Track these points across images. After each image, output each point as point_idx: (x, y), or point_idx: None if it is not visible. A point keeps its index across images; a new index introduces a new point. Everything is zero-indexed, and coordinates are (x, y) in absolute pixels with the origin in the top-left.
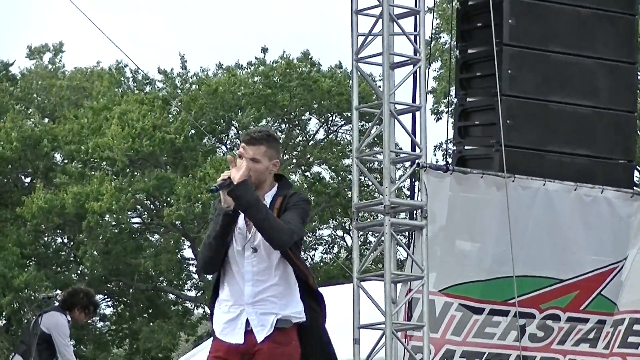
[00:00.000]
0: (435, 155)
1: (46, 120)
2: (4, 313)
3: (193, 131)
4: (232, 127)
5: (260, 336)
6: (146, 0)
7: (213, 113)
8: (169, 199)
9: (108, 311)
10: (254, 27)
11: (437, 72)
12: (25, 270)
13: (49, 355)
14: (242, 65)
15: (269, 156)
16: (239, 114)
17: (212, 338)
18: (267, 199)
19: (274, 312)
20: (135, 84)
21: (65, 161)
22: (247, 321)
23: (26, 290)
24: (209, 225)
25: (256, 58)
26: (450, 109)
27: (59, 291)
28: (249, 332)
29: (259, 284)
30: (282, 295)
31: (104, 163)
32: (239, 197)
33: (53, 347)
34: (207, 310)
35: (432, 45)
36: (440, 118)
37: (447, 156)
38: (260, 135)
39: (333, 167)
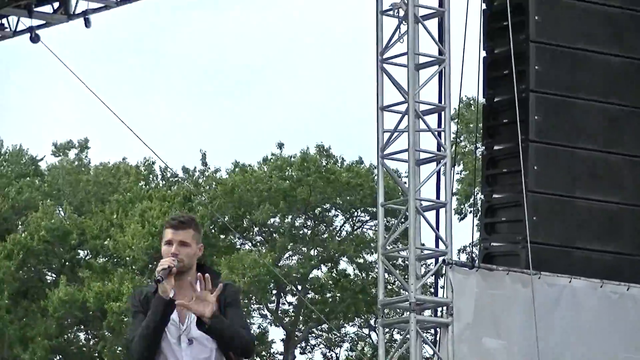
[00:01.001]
0: (459, 257)
1: (76, 214)
2: None
3: (214, 229)
4: (253, 226)
5: None
6: (168, 97)
7: (232, 211)
8: None
9: None
10: (271, 122)
11: (460, 174)
12: None
13: None
14: (259, 162)
15: (197, 240)
16: (258, 209)
17: None
18: (197, 286)
19: None
20: (163, 182)
21: (90, 256)
22: None
23: None
24: (134, 315)
25: (272, 154)
26: (474, 208)
27: None
28: None
29: None
30: None
31: (127, 259)
32: (216, 330)
33: None
34: None
35: (454, 148)
36: (464, 217)
37: (472, 259)
38: (189, 219)
39: (358, 263)
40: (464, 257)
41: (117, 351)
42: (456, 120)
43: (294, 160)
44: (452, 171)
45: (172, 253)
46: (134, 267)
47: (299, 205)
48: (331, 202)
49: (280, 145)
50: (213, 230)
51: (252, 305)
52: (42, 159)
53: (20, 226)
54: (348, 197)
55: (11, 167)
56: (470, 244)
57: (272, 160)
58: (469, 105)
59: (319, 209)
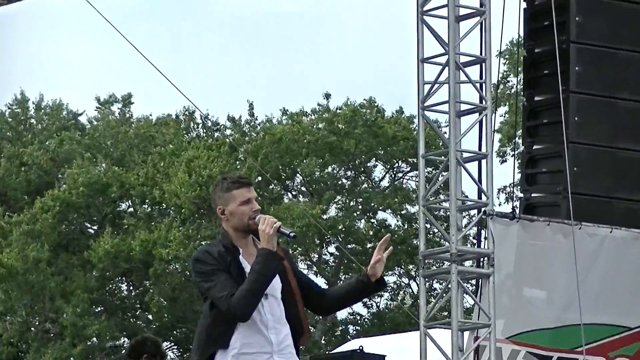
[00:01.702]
0: (498, 198)
1: (115, 167)
2: None
3: (260, 178)
4: (298, 175)
5: None
6: (215, 50)
7: (278, 161)
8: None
9: (174, 357)
10: (318, 73)
11: (504, 116)
12: (96, 319)
13: None
14: (306, 112)
15: None
16: (304, 161)
17: None
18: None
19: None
20: (204, 131)
21: (135, 205)
22: None
23: (95, 339)
24: (213, 273)
25: (319, 105)
26: (516, 152)
27: (124, 340)
28: None
29: (279, 332)
30: (292, 346)
31: (172, 209)
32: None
33: None
34: None
35: (500, 89)
36: (506, 161)
37: (511, 200)
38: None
39: (399, 214)
40: (503, 197)
41: (161, 302)
42: (503, 62)
43: (342, 113)
44: (493, 122)
45: (255, 210)
46: (180, 216)
47: (344, 157)
48: (373, 153)
49: (327, 96)
50: (259, 180)
51: (297, 256)
52: (82, 114)
53: (60, 179)
54: (389, 149)
55: (52, 121)
56: (511, 184)
57: (320, 111)
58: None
59: (358, 160)
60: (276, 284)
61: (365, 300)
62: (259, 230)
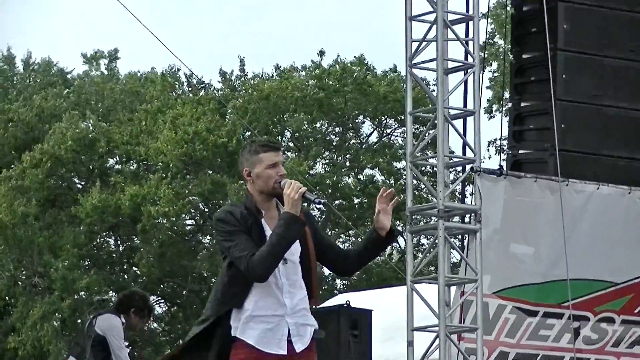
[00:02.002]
0: (488, 151)
1: (102, 123)
2: (60, 315)
3: (248, 133)
4: (287, 131)
5: (298, 346)
6: (203, 5)
7: (266, 117)
8: (221, 202)
9: (162, 312)
10: (310, 30)
11: (492, 74)
12: (85, 273)
13: (103, 357)
14: (297, 67)
15: None
16: (293, 117)
17: (235, 344)
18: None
19: (309, 323)
20: (189, 89)
21: (122, 161)
22: (287, 332)
23: (83, 293)
24: (234, 233)
25: (312, 62)
26: (504, 109)
27: (111, 293)
28: (288, 343)
29: (294, 295)
30: (308, 308)
31: (159, 165)
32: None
33: (108, 349)
34: None
35: (487, 48)
36: (493, 117)
37: (501, 152)
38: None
39: (386, 170)
40: (493, 151)
41: (150, 258)
42: (490, 20)
43: (332, 70)
44: (481, 80)
45: (281, 174)
46: (168, 173)
47: (333, 114)
48: (361, 110)
49: (322, 53)
50: (247, 136)
51: None
52: (71, 71)
53: (45, 135)
54: (378, 106)
55: (40, 78)
56: (499, 137)
57: (310, 68)
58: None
59: (347, 116)
60: (294, 248)
61: None
62: (283, 194)
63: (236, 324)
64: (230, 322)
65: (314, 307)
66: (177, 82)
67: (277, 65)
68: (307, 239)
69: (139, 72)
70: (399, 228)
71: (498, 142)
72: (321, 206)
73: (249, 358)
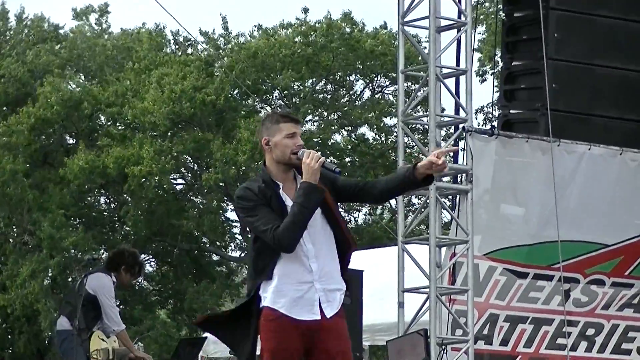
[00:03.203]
0: (476, 118)
1: (93, 82)
2: (50, 274)
3: (236, 92)
4: (276, 89)
5: (328, 312)
6: None
7: (254, 75)
8: (209, 160)
9: (152, 271)
10: None
11: (482, 35)
12: (73, 231)
13: (94, 316)
14: (283, 24)
15: None
16: (281, 75)
17: (264, 314)
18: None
19: (338, 287)
20: (177, 47)
21: (109, 123)
22: (317, 297)
23: (73, 251)
24: (255, 208)
25: (297, 19)
26: (495, 70)
27: (103, 252)
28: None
29: (321, 261)
30: (336, 271)
31: (147, 125)
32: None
33: (98, 308)
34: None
35: (477, 8)
36: (485, 80)
37: (489, 120)
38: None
39: (376, 127)
40: (481, 118)
41: (138, 215)
42: None
43: (319, 27)
44: (473, 38)
45: (299, 145)
46: (155, 132)
47: (322, 71)
48: (352, 68)
49: (305, 10)
50: (235, 94)
51: None
52: (63, 27)
53: (38, 91)
54: (368, 63)
55: (33, 34)
56: (489, 104)
57: (296, 25)
58: None
59: (339, 74)
60: (316, 215)
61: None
62: (302, 163)
63: (265, 294)
64: (259, 293)
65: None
66: (163, 41)
67: (259, 24)
68: (326, 198)
69: (129, 29)
70: None
71: (486, 109)
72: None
73: (280, 325)
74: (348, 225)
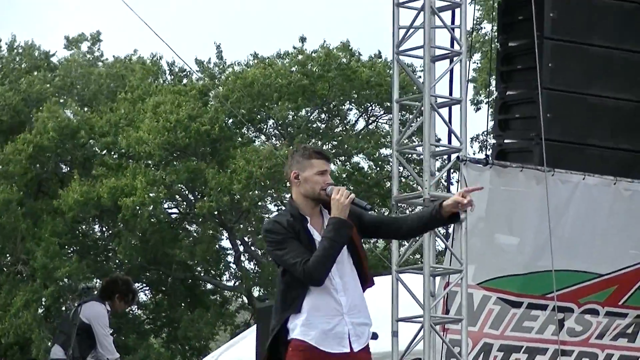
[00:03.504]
0: (472, 147)
1: (85, 109)
2: (44, 303)
3: (230, 121)
4: (271, 119)
5: (356, 346)
6: None
7: (250, 105)
8: (204, 189)
9: (146, 299)
10: (293, 17)
11: (477, 63)
12: (67, 260)
13: (88, 345)
14: (280, 54)
15: None
16: (277, 104)
17: (292, 346)
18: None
19: (366, 322)
20: (172, 77)
21: (103, 152)
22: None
23: (66, 280)
24: (285, 241)
25: (294, 48)
26: (490, 99)
27: (97, 280)
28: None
29: (349, 295)
30: (363, 306)
31: (142, 154)
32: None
33: (93, 337)
34: (245, 300)
35: (473, 35)
36: (480, 108)
37: (485, 149)
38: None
39: (372, 157)
40: (477, 146)
41: (132, 245)
42: (477, 7)
43: (316, 56)
44: (467, 68)
45: (329, 183)
46: (149, 162)
47: (318, 101)
48: (347, 97)
49: (303, 39)
50: (229, 123)
51: (267, 199)
52: (54, 54)
53: (32, 120)
54: (363, 93)
55: (24, 61)
56: (483, 132)
57: (293, 54)
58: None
59: (334, 102)
60: (343, 250)
61: None
62: (332, 199)
63: (293, 326)
64: (287, 326)
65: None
66: (159, 70)
67: (255, 53)
68: (352, 233)
69: (120, 57)
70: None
71: (482, 137)
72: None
73: (310, 356)
74: None
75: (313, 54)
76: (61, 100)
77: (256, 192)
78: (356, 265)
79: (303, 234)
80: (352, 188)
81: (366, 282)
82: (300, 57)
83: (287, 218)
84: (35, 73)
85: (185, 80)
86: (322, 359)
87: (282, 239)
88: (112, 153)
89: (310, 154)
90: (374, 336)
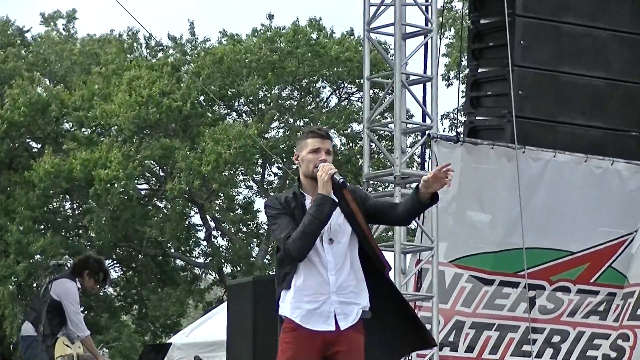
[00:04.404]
0: (442, 124)
1: (58, 86)
2: (15, 279)
3: (202, 98)
4: (242, 96)
5: (343, 324)
6: None
7: (220, 81)
8: (175, 168)
9: (117, 277)
10: None
11: (450, 40)
12: (40, 236)
13: (59, 322)
14: (247, 33)
15: None
16: (247, 81)
17: (282, 326)
18: None
19: (356, 302)
20: (148, 51)
21: (74, 128)
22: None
23: (38, 257)
24: (278, 216)
25: (262, 25)
26: (461, 76)
27: (67, 257)
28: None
29: (340, 274)
30: (356, 286)
31: (113, 129)
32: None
33: (63, 314)
34: (216, 276)
35: (445, 13)
36: (451, 84)
37: (455, 127)
38: (329, 132)
39: (343, 134)
40: (447, 124)
41: (102, 221)
42: None
43: (285, 32)
44: (438, 46)
45: (321, 160)
46: (121, 136)
47: (288, 77)
48: (319, 74)
49: (271, 17)
50: (201, 101)
51: (237, 177)
52: (28, 30)
53: (4, 97)
54: (335, 69)
55: None
56: (454, 110)
57: (262, 31)
58: None
59: (305, 80)
60: (342, 229)
61: None
62: (317, 176)
63: (284, 302)
64: (280, 302)
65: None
66: (135, 44)
67: (224, 30)
68: (356, 216)
69: (95, 35)
70: None
71: (452, 115)
72: (345, 183)
73: (297, 337)
74: None
75: (282, 30)
76: (33, 76)
77: (224, 173)
78: (367, 247)
79: (299, 210)
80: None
81: (382, 268)
82: (269, 33)
83: (287, 195)
84: (8, 49)
85: (160, 55)
86: (308, 337)
87: (277, 214)
88: (83, 128)
89: (306, 134)
90: (365, 314)
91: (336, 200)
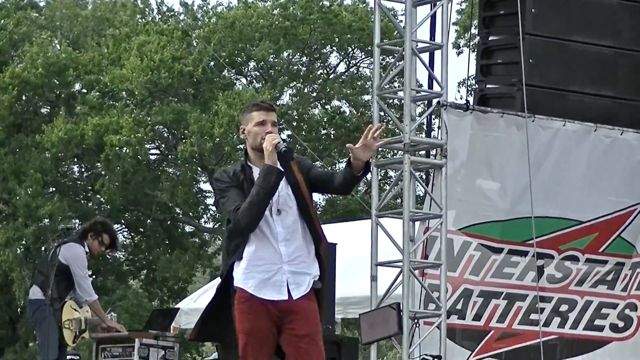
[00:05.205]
0: (459, 92)
1: (70, 48)
2: (24, 242)
3: (212, 64)
4: (252, 60)
5: (295, 294)
6: None
7: (231, 46)
8: (186, 132)
9: (126, 241)
10: None
11: (460, 5)
12: (48, 199)
13: (66, 286)
14: None
15: None
16: (258, 46)
17: (236, 295)
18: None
19: (308, 272)
20: (160, 16)
21: (85, 91)
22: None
23: (47, 221)
24: (227, 189)
25: None
26: (472, 43)
27: (75, 221)
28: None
29: (290, 244)
30: (307, 256)
31: (123, 94)
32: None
33: (71, 278)
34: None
35: None
36: (462, 52)
37: (471, 93)
38: (273, 104)
39: (353, 102)
40: (464, 91)
41: (114, 185)
42: None
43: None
44: (449, 13)
45: (268, 132)
46: (131, 101)
47: (299, 44)
48: (329, 41)
49: None
50: (211, 66)
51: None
52: None
53: (16, 59)
54: (346, 37)
55: (9, 2)
56: (468, 77)
57: None
58: None
59: (315, 46)
60: (289, 199)
61: None
62: (263, 148)
63: (236, 274)
64: (232, 274)
65: (322, 252)
66: (147, 9)
67: None
68: (299, 186)
69: (107, 0)
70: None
71: (469, 82)
72: (288, 152)
73: (252, 306)
74: (323, 196)
75: None
76: (53, 38)
77: (236, 137)
78: (305, 219)
79: (247, 183)
80: (333, 132)
81: (319, 240)
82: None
83: (235, 168)
84: (20, 12)
85: (171, 20)
86: (262, 306)
87: (225, 187)
88: (95, 91)
89: (250, 107)
90: (316, 284)
91: (282, 170)
